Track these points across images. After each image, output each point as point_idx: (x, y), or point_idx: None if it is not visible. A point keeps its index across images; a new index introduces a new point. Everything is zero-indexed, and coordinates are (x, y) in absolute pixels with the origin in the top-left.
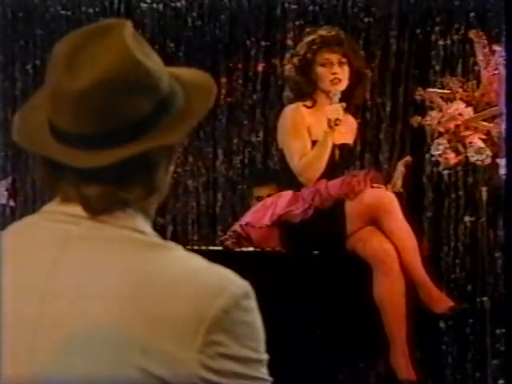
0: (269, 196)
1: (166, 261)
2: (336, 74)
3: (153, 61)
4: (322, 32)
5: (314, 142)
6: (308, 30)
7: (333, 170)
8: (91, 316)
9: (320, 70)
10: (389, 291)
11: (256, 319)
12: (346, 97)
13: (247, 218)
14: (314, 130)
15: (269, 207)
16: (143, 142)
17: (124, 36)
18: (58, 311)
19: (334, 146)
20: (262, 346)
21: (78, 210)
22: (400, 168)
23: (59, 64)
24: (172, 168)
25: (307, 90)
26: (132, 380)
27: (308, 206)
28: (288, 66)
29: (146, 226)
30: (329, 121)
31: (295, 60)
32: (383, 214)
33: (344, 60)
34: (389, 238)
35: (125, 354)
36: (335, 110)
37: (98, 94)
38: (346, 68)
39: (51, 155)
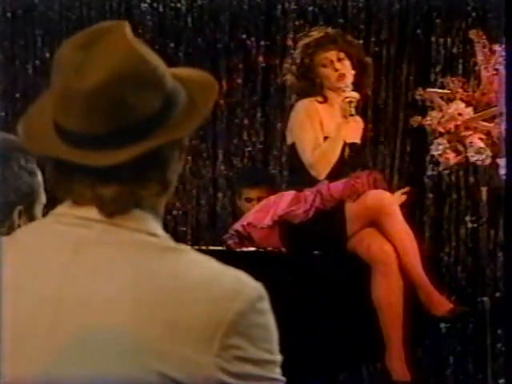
0: (259, 198)
1: (181, 265)
2: (339, 69)
3: (154, 58)
4: (314, 34)
5: (325, 138)
6: (301, 35)
7: (341, 167)
8: (107, 321)
9: (322, 70)
10: (387, 292)
11: (270, 321)
12: (354, 89)
13: (249, 217)
14: (326, 125)
15: (270, 207)
16: (156, 137)
17: (126, 35)
18: (73, 316)
19: (345, 144)
20: (276, 347)
21: (90, 212)
22: (399, 195)
23: (65, 66)
24: (181, 165)
25: (314, 91)
26: None
27: (309, 206)
28: (288, 76)
29: (158, 228)
30: (344, 110)
31: (293, 68)
32: (383, 215)
33: (342, 55)
34: (389, 239)
35: (142, 359)
36: (349, 99)
37: (108, 92)
38: (346, 62)
39: (65, 157)
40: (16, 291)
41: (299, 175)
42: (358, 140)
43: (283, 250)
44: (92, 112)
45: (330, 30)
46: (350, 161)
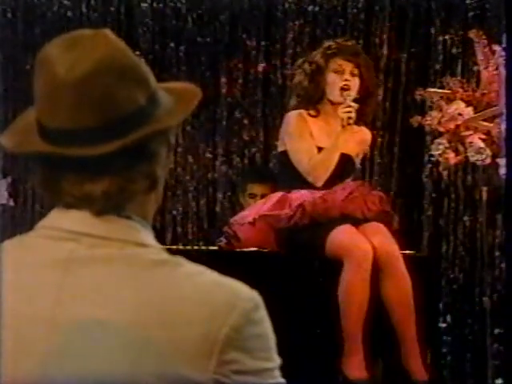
0: (263, 195)
1: (173, 281)
2: (347, 81)
3: (138, 59)
4: (339, 40)
5: (319, 150)
6: (326, 41)
7: (333, 177)
8: (101, 343)
9: (331, 76)
10: (396, 291)
11: (267, 329)
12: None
13: (236, 216)
14: (317, 136)
15: (256, 206)
16: (143, 129)
17: (110, 37)
18: (67, 340)
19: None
20: (275, 352)
21: (77, 225)
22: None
23: (50, 63)
24: (169, 164)
25: (314, 97)
26: None
27: (292, 214)
28: (298, 71)
29: (149, 238)
30: (341, 120)
31: (306, 66)
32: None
33: (356, 71)
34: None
35: (138, 380)
36: (348, 108)
37: (95, 82)
38: (357, 80)
39: (52, 151)
40: (7, 313)
41: (287, 182)
42: (351, 152)
43: (281, 250)
44: (79, 104)
45: (357, 45)
46: (339, 172)
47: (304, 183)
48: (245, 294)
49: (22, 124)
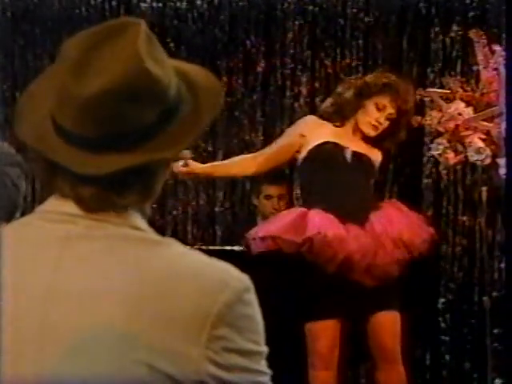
0: (279, 196)
1: (168, 258)
2: (379, 123)
3: (162, 66)
4: (400, 79)
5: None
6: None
7: (343, 171)
8: (97, 315)
9: (371, 107)
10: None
11: (257, 312)
12: (377, 139)
13: (253, 229)
14: (328, 135)
15: (273, 220)
16: (144, 151)
17: (136, 41)
18: (63, 312)
19: (354, 153)
20: (263, 339)
21: (74, 208)
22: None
23: (68, 66)
24: (166, 177)
25: (344, 110)
26: (140, 377)
27: (300, 244)
28: (347, 84)
29: (143, 223)
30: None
31: (358, 82)
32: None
33: (393, 115)
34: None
35: (131, 352)
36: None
37: (104, 102)
38: (387, 123)
39: (52, 155)
40: (6, 289)
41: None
42: (363, 151)
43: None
44: (85, 118)
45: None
46: (353, 167)
47: (324, 200)
48: (237, 275)
49: (38, 109)
